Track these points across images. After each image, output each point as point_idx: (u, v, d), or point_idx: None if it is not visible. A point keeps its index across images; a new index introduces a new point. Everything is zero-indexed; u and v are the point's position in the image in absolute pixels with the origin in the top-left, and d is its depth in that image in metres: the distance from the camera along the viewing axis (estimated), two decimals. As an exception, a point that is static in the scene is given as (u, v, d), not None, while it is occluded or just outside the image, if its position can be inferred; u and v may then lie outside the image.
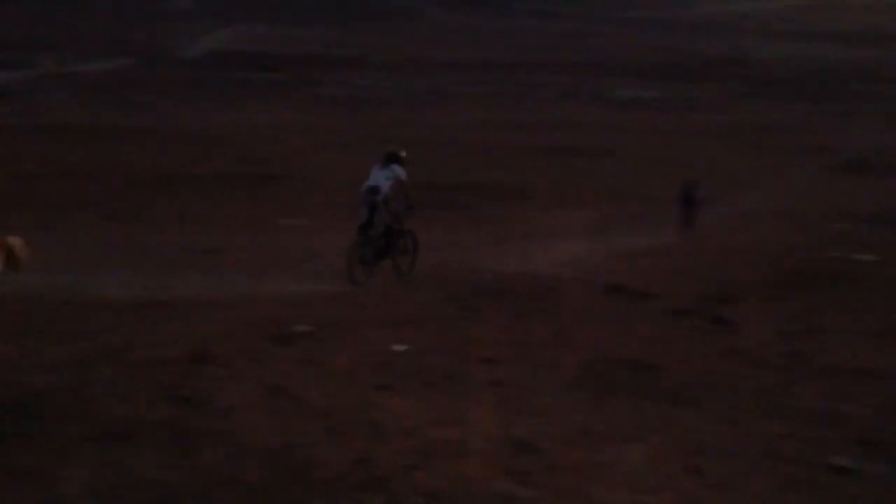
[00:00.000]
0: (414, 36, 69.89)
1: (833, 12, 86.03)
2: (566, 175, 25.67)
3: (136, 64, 57.26)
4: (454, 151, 29.62)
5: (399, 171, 10.10)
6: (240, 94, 46.44)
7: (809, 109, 41.04)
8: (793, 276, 13.34)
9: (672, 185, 23.66)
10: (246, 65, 54.48)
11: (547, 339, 9.49)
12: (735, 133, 34.17)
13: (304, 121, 38.20)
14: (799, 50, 58.63)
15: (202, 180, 25.08)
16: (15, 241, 11.38)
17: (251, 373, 6.95)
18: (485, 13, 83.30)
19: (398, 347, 8.28)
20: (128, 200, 22.48)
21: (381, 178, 9.97)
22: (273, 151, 30.16)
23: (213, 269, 13.10)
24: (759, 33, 68.56)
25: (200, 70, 54.67)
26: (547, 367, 8.30)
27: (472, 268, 13.54)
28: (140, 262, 13.60)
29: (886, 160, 27.71)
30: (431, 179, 23.86)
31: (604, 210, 20.24)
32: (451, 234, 16.88)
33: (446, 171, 25.70)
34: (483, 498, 4.99)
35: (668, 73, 52.00)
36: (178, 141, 32.27)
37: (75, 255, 13.99)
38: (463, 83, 49.92)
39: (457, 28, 74.11)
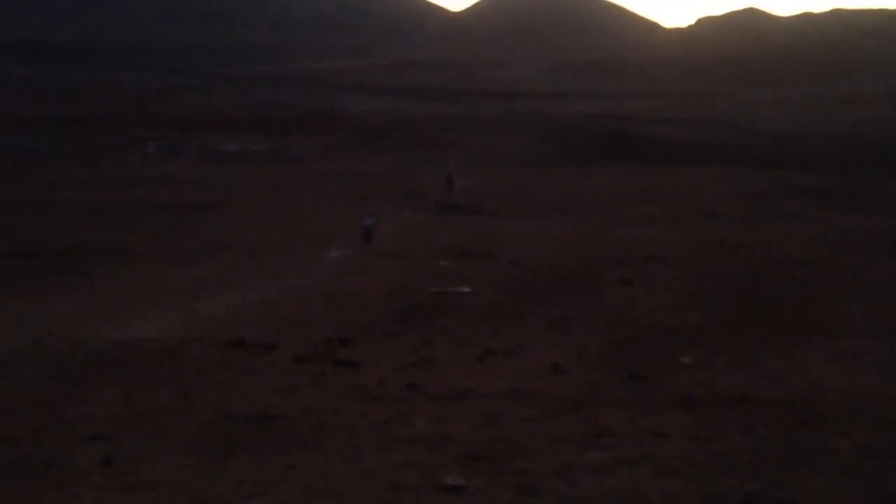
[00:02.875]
0: (-8, 91, 63.20)
1: (411, 71, 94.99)
2: (177, 232, 24.72)
3: None
4: (49, 213, 27.09)
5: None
6: None
7: (400, 157, 44.22)
8: (406, 313, 14.18)
9: (281, 235, 23.93)
10: None
11: (166, 405, 8.98)
12: (339, 182, 35.65)
13: None
14: (386, 104, 63.23)
15: None
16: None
17: None
18: (65, 67, 78.07)
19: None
20: None
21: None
22: None
23: None
24: (349, 89, 72.55)
25: None
26: (165, 435, 7.83)
27: (78, 339, 12.42)
28: None
29: (470, 201, 30.72)
30: (22, 246, 21.54)
31: (217, 264, 19.75)
32: (51, 305, 15.31)
33: (40, 234, 23.41)
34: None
35: (269, 127, 52.83)
36: None
37: None
38: (54, 140, 46.13)
39: (39, 83, 68.34)
